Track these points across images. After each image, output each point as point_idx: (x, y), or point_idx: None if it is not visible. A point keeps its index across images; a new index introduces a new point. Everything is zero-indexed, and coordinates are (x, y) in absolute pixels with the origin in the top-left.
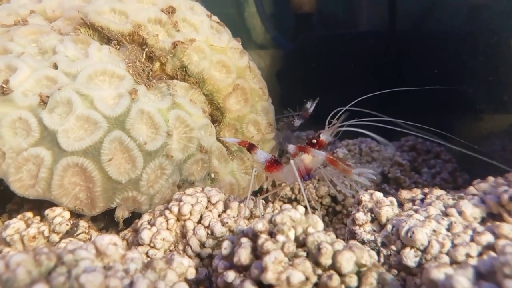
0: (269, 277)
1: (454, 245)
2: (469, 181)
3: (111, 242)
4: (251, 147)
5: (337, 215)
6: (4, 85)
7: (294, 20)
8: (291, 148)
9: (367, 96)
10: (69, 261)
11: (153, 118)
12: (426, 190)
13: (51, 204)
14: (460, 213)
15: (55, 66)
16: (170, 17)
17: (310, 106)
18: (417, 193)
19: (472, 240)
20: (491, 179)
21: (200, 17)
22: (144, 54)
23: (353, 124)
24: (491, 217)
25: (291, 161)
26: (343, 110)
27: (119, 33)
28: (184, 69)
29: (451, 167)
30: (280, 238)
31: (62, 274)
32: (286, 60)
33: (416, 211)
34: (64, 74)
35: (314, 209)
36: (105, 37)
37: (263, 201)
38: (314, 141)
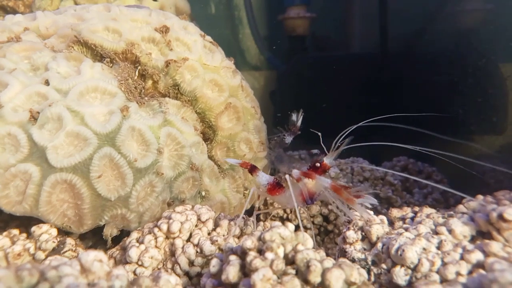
0: None
1: (444, 263)
2: (461, 201)
3: (96, 258)
4: (252, 169)
5: (329, 235)
6: None
7: (288, 42)
8: (295, 173)
9: (367, 121)
10: (52, 278)
11: (144, 135)
12: (417, 208)
13: (39, 221)
14: (450, 231)
15: (47, 83)
16: (164, 36)
17: (297, 119)
18: (407, 211)
19: (462, 258)
20: (480, 197)
21: (193, 36)
22: (137, 72)
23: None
24: (481, 235)
25: (287, 177)
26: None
27: (112, 51)
28: (177, 87)
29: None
30: (269, 255)
31: None
32: (280, 81)
33: (406, 229)
34: (55, 90)
35: (306, 228)
36: (98, 55)
37: (254, 220)
38: (318, 164)
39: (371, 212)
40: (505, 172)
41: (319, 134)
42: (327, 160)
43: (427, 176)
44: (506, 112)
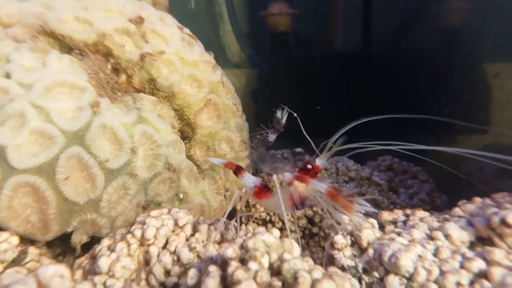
0: None
1: (442, 272)
2: (447, 202)
3: (56, 273)
4: (238, 170)
5: (314, 238)
6: None
7: (270, 39)
8: (287, 176)
9: (359, 121)
10: None
11: (116, 133)
12: (408, 211)
13: None
14: (447, 236)
15: (8, 76)
16: (139, 27)
17: (282, 117)
18: (398, 214)
19: (462, 266)
20: (478, 200)
21: (170, 28)
22: (109, 66)
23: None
24: (480, 241)
25: (274, 177)
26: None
27: (82, 42)
28: (153, 83)
29: (428, 187)
30: (253, 265)
31: None
32: (261, 79)
33: (399, 234)
34: (18, 84)
35: (291, 231)
36: (66, 47)
37: (236, 223)
38: (309, 166)
39: (368, 221)
40: (491, 173)
41: (309, 138)
42: (319, 162)
43: (412, 175)
44: (491, 110)
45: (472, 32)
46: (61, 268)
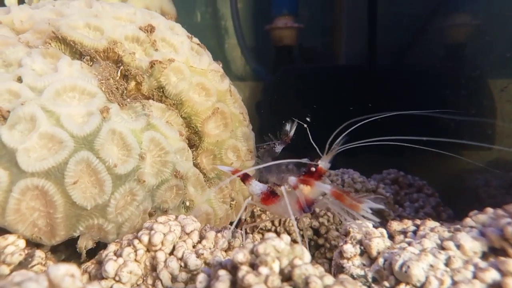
0: None
1: (454, 282)
2: (453, 216)
3: (67, 273)
4: (245, 178)
5: (320, 249)
6: None
7: (275, 52)
8: (292, 180)
9: (362, 122)
10: None
11: (125, 139)
12: (418, 221)
13: (3, 232)
14: (459, 246)
15: (20, 80)
16: (149, 35)
17: (290, 129)
18: (408, 224)
19: (474, 277)
20: (490, 210)
21: (180, 37)
22: (119, 72)
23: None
24: (493, 251)
25: (282, 188)
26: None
27: (93, 48)
28: (161, 90)
29: (434, 201)
30: (263, 270)
31: None
32: (266, 92)
33: (409, 243)
34: (29, 88)
35: (295, 242)
36: (77, 53)
37: (243, 233)
38: (313, 169)
39: (377, 219)
40: (498, 187)
41: (317, 147)
42: (322, 164)
43: (418, 189)
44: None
45: (478, 47)
46: (72, 268)
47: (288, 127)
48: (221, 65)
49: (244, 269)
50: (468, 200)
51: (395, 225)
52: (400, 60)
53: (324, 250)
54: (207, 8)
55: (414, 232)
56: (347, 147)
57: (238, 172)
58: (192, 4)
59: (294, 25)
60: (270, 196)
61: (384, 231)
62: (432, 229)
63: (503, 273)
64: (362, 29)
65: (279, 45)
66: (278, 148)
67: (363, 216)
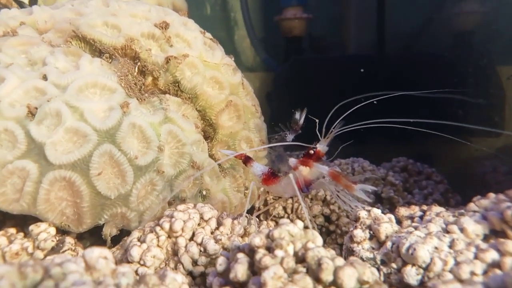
0: None
1: (457, 263)
2: (462, 202)
3: (101, 255)
4: (247, 160)
5: (331, 235)
6: None
7: (284, 43)
8: (292, 161)
9: (363, 103)
10: (56, 274)
11: (144, 132)
12: (425, 207)
13: (35, 220)
14: (462, 230)
15: (45, 78)
16: (164, 32)
17: (300, 117)
18: (415, 210)
19: (476, 257)
20: (492, 195)
21: (193, 33)
22: (136, 68)
23: (347, 129)
24: (494, 234)
25: (290, 175)
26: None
27: (111, 46)
28: (177, 84)
29: (443, 188)
30: (279, 253)
31: (49, 287)
32: (276, 82)
33: (416, 228)
34: (53, 85)
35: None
36: (96, 50)
37: (257, 219)
38: (312, 152)
39: (369, 198)
40: (506, 173)
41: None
42: (320, 147)
43: (427, 176)
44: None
45: (485, 35)
46: (105, 251)
47: (297, 115)
48: (233, 58)
49: (261, 252)
50: (476, 186)
51: (403, 211)
52: (409, 47)
53: (335, 236)
54: (217, 0)
55: (421, 217)
56: (345, 130)
57: (239, 156)
58: None
59: (303, 15)
60: (271, 177)
61: (392, 216)
62: (437, 214)
63: (502, 253)
64: (371, 18)
65: (289, 36)
66: (289, 137)
67: (357, 196)
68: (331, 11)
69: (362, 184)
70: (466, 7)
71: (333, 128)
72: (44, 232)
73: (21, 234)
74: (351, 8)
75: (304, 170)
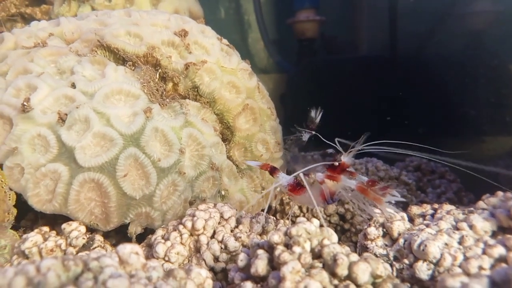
0: (287, 286)
1: (466, 258)
2: (475, 201)
3: (132, 251)
4: (273, 171)
5: (346, 233)
6: (25, 103)
7: (297, 45)
8: (319, 176)
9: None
10: (95, 268)
11: (166, 136)
12: (436, 205)
13: (65, 219)
14: (471, 226)
15: (73, 86)
16: (183, 39)
17: (316, 116)
18: (427, 208)
19: (484, 253)
20: (500, 193)
21: (211, 40)
22: (157, 75)
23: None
24: (502, 230)
25: (301, 176)
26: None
27: (134, 54)
28: (196, 89)
29: (456, 187)
30: (297, 249)
31: (89, 279)
32: (289, 84)
33: (427, 225)
34: (81, 93)
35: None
36: (120, 58)
37: (274, 218)
38: (336, 164)
39: (398, 211)
40: None
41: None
42: (345, 159)
43: (440, 175)
44: None
45: (497, 34)
46: (136, 247)
47: (313, 113)
48: (249, 63)
49: (280, 249)
50: (489, 185)
51: (415, 209)
52: (421, 48)
53: (349, 234)
54: (231, 4)
55: (432, 215)
56: (369, 147)
57: (266, 167)
58: (216, 0)
59: (316, 18)
60: (296, 187)
61: (404, 215)
62: (448, 212)
63: (509, 249)
64: (384, 19)
65: (302, 38)
66: (305, 137)
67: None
68: (344, 13)
69: (389, 197)
70: (478, 7)
71: (358, 143)
72: (76, 230)
73: (54, 232)
74: (363, 9)
75: (329, 182)
